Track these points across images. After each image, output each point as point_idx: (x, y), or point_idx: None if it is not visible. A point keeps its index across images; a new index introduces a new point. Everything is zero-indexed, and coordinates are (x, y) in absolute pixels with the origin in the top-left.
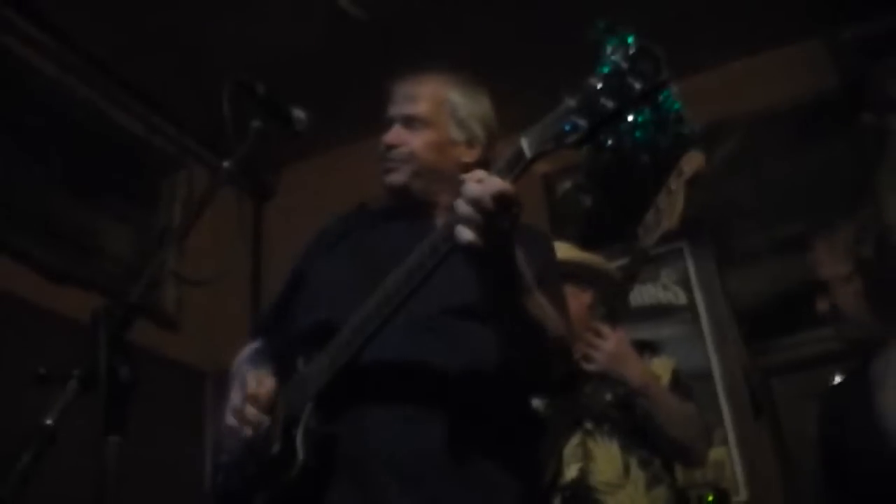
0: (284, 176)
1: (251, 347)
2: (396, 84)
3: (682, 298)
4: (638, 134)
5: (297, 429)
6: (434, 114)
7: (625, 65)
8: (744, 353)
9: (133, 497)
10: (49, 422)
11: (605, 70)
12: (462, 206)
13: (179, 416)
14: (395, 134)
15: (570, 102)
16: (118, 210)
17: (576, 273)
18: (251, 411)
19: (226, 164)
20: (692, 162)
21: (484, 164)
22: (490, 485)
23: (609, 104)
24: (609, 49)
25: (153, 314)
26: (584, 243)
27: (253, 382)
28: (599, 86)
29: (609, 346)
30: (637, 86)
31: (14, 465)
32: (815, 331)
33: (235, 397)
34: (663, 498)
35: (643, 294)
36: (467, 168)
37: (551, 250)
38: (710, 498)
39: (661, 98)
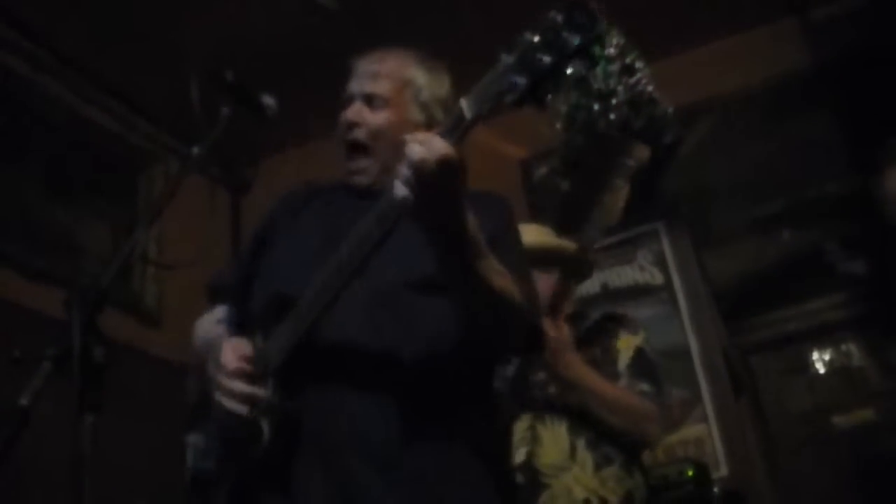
0: (262, 169)
1: (213, 316)
2: (359, 60)
3: (658, 279)
4: (612, 116)
5: (258, 407)
6: (396, 93)
7: (560, 18)
8: (722, 332)
9: (120, 492)
10: (24, 402)
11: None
12: (405, 170)
13: (163, 412)
14: (356, 111)
15: (508, 59)
16: (95, 207)
17: (540, 258)
18: (240, 387)
19: (195, 149)
20: (636, 154)
21: None
22: (461, 466)
23: (546, 59)
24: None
25: (134, 311)
26: (562, 228)
27: (231, 355)
28: (536, 40)
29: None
30: (573, 40)
31: None
32: (793, 308)
33: (221, 373)
34: (615, 477)
35: (620, 275)
36: None
37: (510, 215)
38: (690, 473)
39: (598, 53)
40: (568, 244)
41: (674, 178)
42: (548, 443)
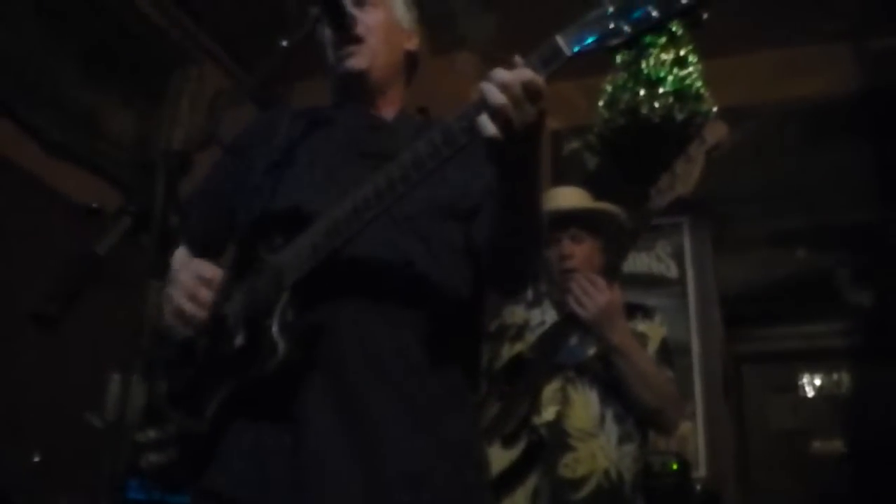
0: (295, 90)
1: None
2: None
3: (673, 272)
4: (656, 104)
5: (270, 320)
6: None
7: None
8: (721, 336)
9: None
10: (99, 251)
11: None
12: (489, 90)
13: None
14: (350, 7)
15: (609, 8)
16: (124, 95)
17: (590, 219)
18: (204, 293)
19: (284, 42)
20: (715, 131)
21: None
22: (456, 387)
23: (654, 13)
24: None
25: None
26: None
27: (205, 269)
28: None
29: (600, 301)
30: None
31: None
32: (793, 327)
33: (186, 279)
34: (631, 455)
35: (636, 262)
36: (410, 56)
37: None
38: (675, 466)
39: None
40: (619, 211)
41: (707, 177)
42: (579, 407)
